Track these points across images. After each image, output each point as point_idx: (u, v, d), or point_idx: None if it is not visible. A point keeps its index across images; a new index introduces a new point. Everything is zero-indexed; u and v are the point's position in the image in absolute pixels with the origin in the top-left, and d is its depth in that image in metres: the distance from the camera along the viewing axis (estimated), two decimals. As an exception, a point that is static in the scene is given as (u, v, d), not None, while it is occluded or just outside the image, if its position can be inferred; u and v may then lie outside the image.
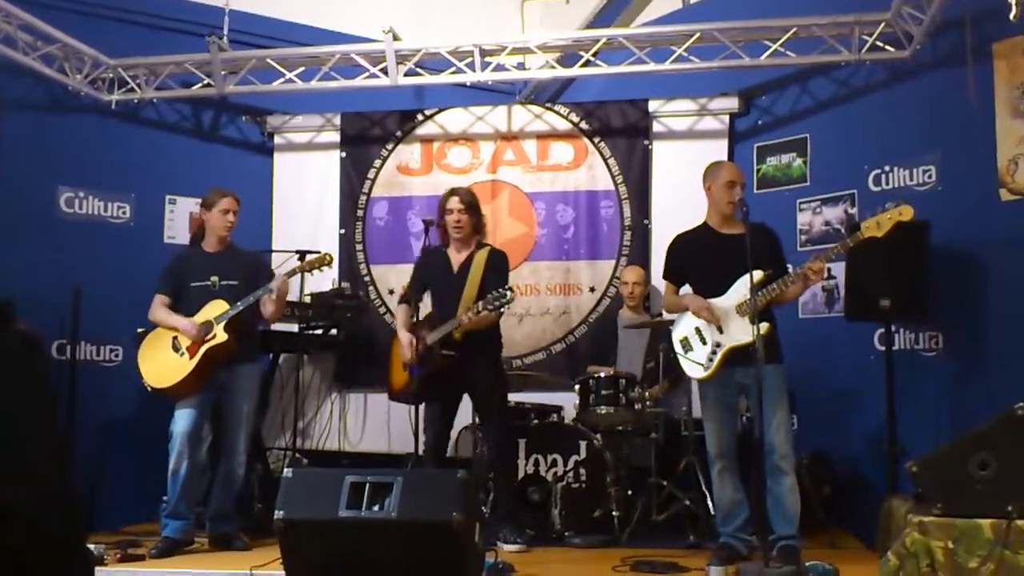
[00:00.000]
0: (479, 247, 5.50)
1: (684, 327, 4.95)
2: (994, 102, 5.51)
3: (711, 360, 4.79)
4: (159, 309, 5.36)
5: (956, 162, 5.71)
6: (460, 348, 5.24)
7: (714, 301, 4.80)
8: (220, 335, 5.18)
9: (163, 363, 5.24)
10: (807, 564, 4.33)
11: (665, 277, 5.13)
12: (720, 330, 4.78)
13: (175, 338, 5.25)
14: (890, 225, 4.56)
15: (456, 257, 5.48)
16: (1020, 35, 5.43)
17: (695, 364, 4.87)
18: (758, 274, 4.59)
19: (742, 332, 4.64)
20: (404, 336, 5.36)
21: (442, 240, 5.60)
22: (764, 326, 4.50)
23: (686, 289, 4.99)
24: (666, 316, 5.92)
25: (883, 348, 5.61)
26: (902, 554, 3.93)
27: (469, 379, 5.29)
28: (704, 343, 4.84)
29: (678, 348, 4.95)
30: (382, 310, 7.22)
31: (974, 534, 3.83)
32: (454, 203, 5.45)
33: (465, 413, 5.63)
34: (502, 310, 5.20)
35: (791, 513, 4.67)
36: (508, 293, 5.16)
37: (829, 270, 5.80)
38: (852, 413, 6.08)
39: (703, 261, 4.92)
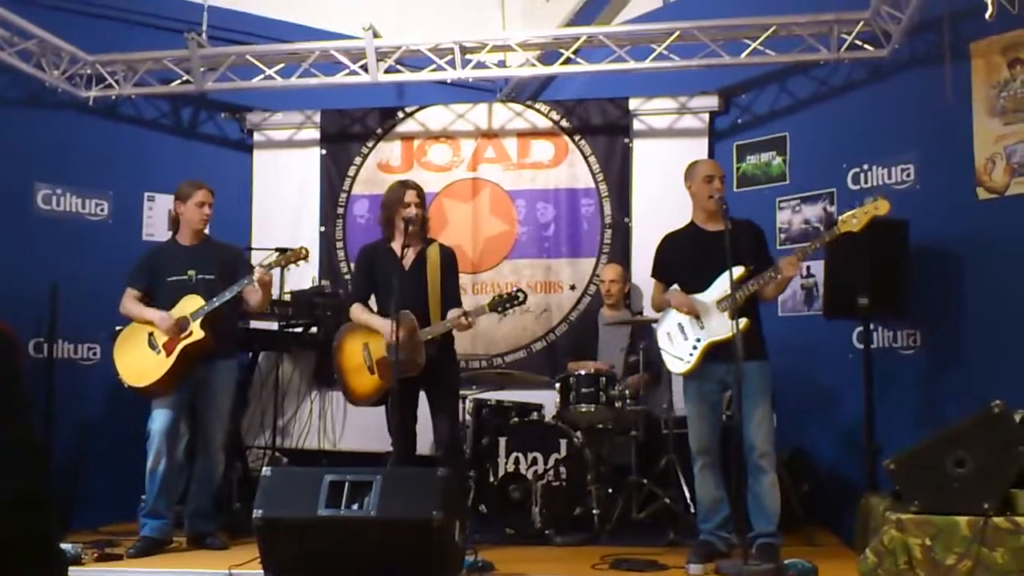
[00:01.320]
0: (428, 243, 5.40)
1: (668, 323, 4.99)
2: (971, 101, 5.56)
3: (691, 355, 4.83)
4: (130, 303, 5.30)
5: (934, 161, 5.75)
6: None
7: (696, 297, 4.84)
8: (197, 332, 5.13)
9: (140, 361, 5.19)
10: (786, 562, 4.35)
11: (653, 275, 5.18)
12: (701, 325, 4.82)
13: (151, 335, 5.20)
14: (866, 219, 4.58)
15: (405, 253, 5.23)
16: (997, 34, 5.47)
17: (676, 359, 4.91)
18: (739, 270, 4.63)
19: (722, 327, 4.67)
20: (382, 322, 5.11)
21: (385, 235, 5.40)
22: (742, 321, 4.54)
23: (674, 288, 5.01)
24: (647, 315, 5.96)
25: (861, 346, 5.64)
26: (880, 551, 3.96)
27: (426, 374, 5.19)
28: (686, 338, 4.88)
29: (662, 343, 4.99)
30: (347, 302, 7.16)
31: (951, 531, 3.85)
32: (412, 196, 5.27)
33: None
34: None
35: (771, 511, 4.69)
36: (521, 295, 5.19)
37: (808, 267, 5.84)
38: (830, 411, 6.11)
39: (688, 258, 4.96)
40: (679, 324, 4.91)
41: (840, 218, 4.67)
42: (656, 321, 5.82)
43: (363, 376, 5.23)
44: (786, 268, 4.67)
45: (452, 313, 5.13)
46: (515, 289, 5.28)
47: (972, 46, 5.59)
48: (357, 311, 5.34)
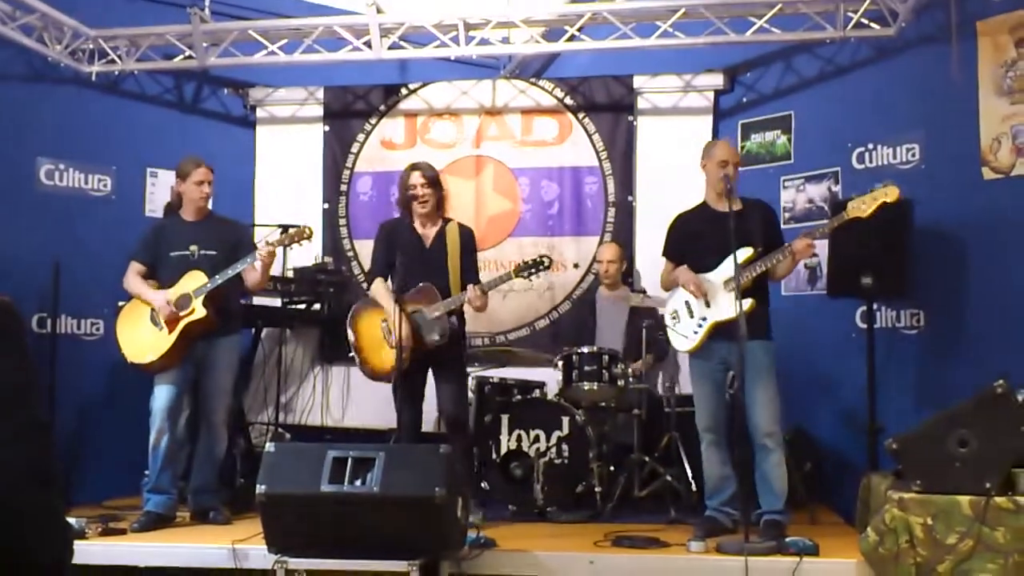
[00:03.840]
0: (446, 222, 5.43)
1: (675, 300, 5.03)
2: (978, 80, 5.53)
3: (696, 333, 4.87)
4: (134, 278, 5.30)
5: (940, 140, 5.73)
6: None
7: (704, 276, 4.86)
8: (199, 310, 5.13)
9: (142, 337, 5.20)
10: (787, 539, 4.36)
11: (664, 254, 5.20)
12: (707, 304, 4.84)
13: (153, 310, 5.21)
14: (875, 206, 4.60)
15: (424, 232, 5.34)
16: (1004, 14, 5.44)
17: (681, 336, 4.96)
18: (746, 251, 4.66)
19: (727, 307, 4.69)
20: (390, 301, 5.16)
21: (405, 215, 5.45)
22: (748, 302, 4.54)
23: (683, 267, 5.02)
24: (651, 293, 5.95)
25: (865, 326, 5.65)
26: (882, 530, 3.97)
27: (434, 353, 5.22)
28: (691, 316, 4.92)
29: (668, 321, 5.05)
30: (365, 285, 7.17)
31: (953, 510, 3.86)
32: (416, 178, 5.30)
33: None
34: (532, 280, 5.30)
35: (778, 489, 4.73)
36: (546, 260, 5.20)
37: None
38: (833, 390, 6.12)
39: (698, 238, 4.97)
40: (686, 302, 4.95)
41: (849, 204, 4.69)
42: (653, 304, 5.88)
43: (384, 351, 5.23)
44: (801, 250, 4.67)
45: (470, 289, 5.15)
46: (540, 255, 5.26)
47: (979, 25, 5.56)
48: (378, 287, 5.37)
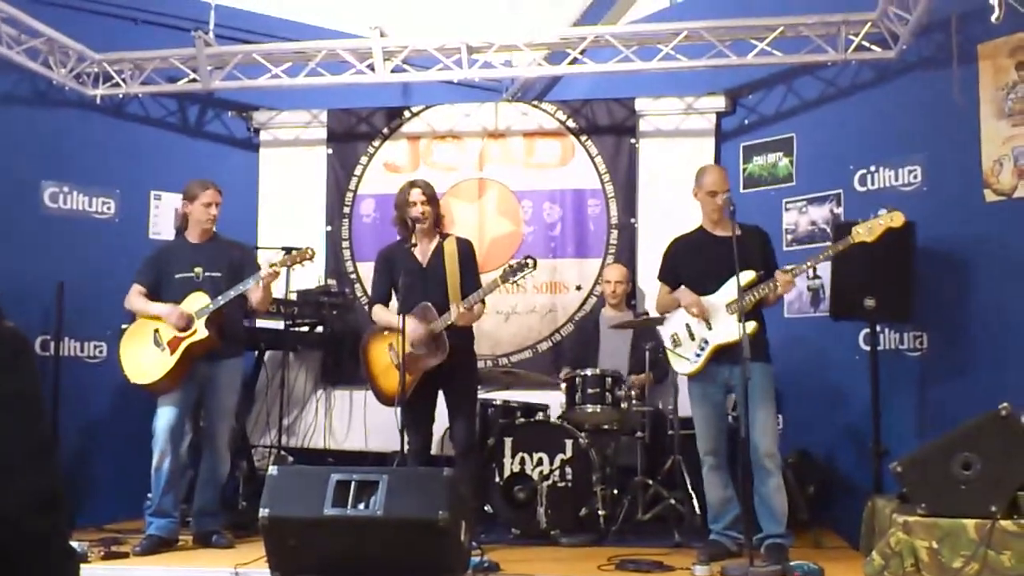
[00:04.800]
0: (443, 237, 5.45)
1: (675, 323, 5.03)
2: (979, 103, 5.54)
3: (698, 356, 4.87)
4: (136, 298, 5.32)
5: (941, 163, 5.74)
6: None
7: (705, 299, 4.86)
8: (200, 331, 5.14)
9: (144, 358, 5.20)
10: (792, 564, 4.35)
11: (660, 278, 5.22)
12: (709, 327, 4.85)
13: (156, 332, 5.21)
14: (881, 231, 4.63)
15: (420, 251, 5.38)
16: (1004, 36, 5.46)
17: (683, 359, 4.96)
18: (749, 274, 4.68)
19: (730, 329, 4.69)
20: (396, 319, 5.14)
21: (402, 236, 5.47)
22: (752, 325, 4.56)
23: (683, 288, 5.03)
24: (653, 315, 5.95)
25: (868, 348, 5.64)
26: (887, 553, 3.96)
27: (444, 373, 5.23)
28: (692, 339, 4.93)
29: (668, 344, 5.05)
30: (368, 306, 7.18)
31: (958, 534, 3.85)
32: (416, 195, 5.33)
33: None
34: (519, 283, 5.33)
35: (778, 512, 4.72)
36: (530, 261, 5.18)
37: (814, 269, 5.82)
38: (837, 413, 6.10)
39: (696, 261, 5.00)
40: (686, 325, 4.95)
41: (854, 228, 4.71)
42: (660, 322, 5.86)
43: (393, 376, 5.24)
44: (782, 286, 4.74)
45: (453, 308, 5.15)
46: (524, 257, 5.26)
47: (980, 48, 5.58)
48: (379, 312, 5.43)
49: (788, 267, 4.83)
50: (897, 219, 4.63)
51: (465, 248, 5.45)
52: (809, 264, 4.92)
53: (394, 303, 5.45)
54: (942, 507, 3.95)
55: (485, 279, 6.90)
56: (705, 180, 5.07)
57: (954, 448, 3.99)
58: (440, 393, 5.34)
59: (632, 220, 7.08)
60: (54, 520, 1.45)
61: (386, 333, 5.37)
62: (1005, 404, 3.96)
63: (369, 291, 6.79)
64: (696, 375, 4.94)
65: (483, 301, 5.32)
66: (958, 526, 3.87)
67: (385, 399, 5.39)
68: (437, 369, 5.17)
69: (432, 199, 5.38)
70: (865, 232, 4.66)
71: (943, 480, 3.97)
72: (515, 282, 5.31)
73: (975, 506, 3.89)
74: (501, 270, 5.35)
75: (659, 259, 5.31)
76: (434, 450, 5.61)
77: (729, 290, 4.77)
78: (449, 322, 5.15)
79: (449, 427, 5.36)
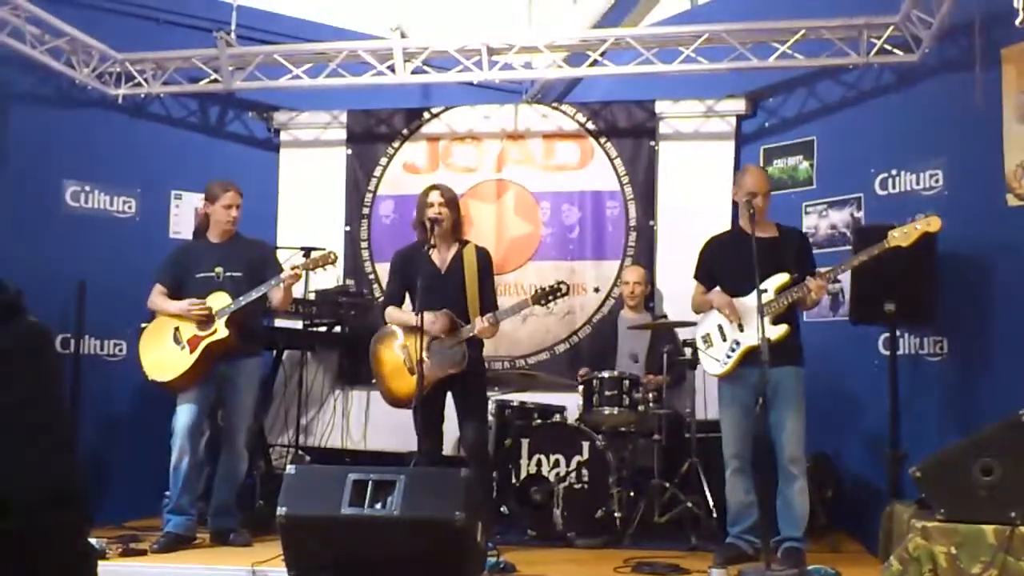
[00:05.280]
0: (463, 244, 5.42)
1: (708, 324, 5.02)
2: (1002, 107, 5.50)
3: (729, 357, 4.85)
4: (157, 297, 5.35)
5: (963, 167, 5.70)
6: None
7: (738, 300, 4.84)
8: (221, 330, 5.17)
9: (164, 356, 5.23)
10: (809, 568, 4.34)
11: (696, 277, 5.19)
12: (741, 328, 4.82)
13: (176, 330, 5.24)
14: (916, 236, 4.59)
15: (439, 256, 5.32)
16: (1029, 40, 5.42)
17: (714, 360, 4.93)
18: (783, 277, 4.66)
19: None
20: (411, 317, 5.14)
21: (420, 239, 5.40)
22: (782, 328, 4.57)
23: (716, 290, 5.02)
24: (671, 317, 5.94)
25: (887, 353, 5.61)
26: (905, 559, 3.93)
27: (454, 381, 5.18)
28: (724, 340, 4.91)
29: (700, 344, 5.04)
30: (382, 306, 7.19)
31: (977, 540, 3.82)
32: (435, 197, 5.28)
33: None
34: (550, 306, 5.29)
35: (799, 516, 4.71)
36: (563, 287, 5.17)
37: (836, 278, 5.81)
38: (855, 417, 6.07)
39: (731, 261, 4.97)
40: (719, 326, 4.94)
41: (890, 233, 4.65)
42: (678, 325, 5.85)
43: (403, 377, 5.21)
44: (815, 291, 4.69)
45: (477, 321, 5.12)
46: (557, 282, 5.25)
47: (1003, 51, 5.54)
48: (392, 312, 5.37)
49: (825, 269, 4.80)
50: (934, 224, 4.57)
51: (484, 257, 5.41)
52: (844, 268, 4.88)
53: (407, 306, 5.43)
54: (961, 513, 3.92)
55: (505, 281, 7.01)
56: (745, 180, 5.05)
57: (974, 454, 3.96)
58: (449, 396, 5.30)
59: (651, 222, 7.07)
60: (70, 515, 1.46)
61: (396, 333, 5.31)
62: (1025, 410, 3.93)
63: (386, 291, 6.84)
64: (726, 377, 4.92)
65: (545, 303, 5.30)
66: (977, 532, 3.83)
67: (394, 401, 5.31)
68: (448, 375, 5.14)
69: (452, 203, 5.34)
70: (901, 237, 4.60)
71: (962, 486, 3.94)
72: (545, 304, 5.27)
73: (995, 512, 3.85)
74: (533, 290, 5.28)
75: (678, 261, 5.32)
76: (450, 451, 5.61)
77: (764, 293, 4.75)
78: (472, 333, 5.13)
79: (459, 431, 5.32)
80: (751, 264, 4.67)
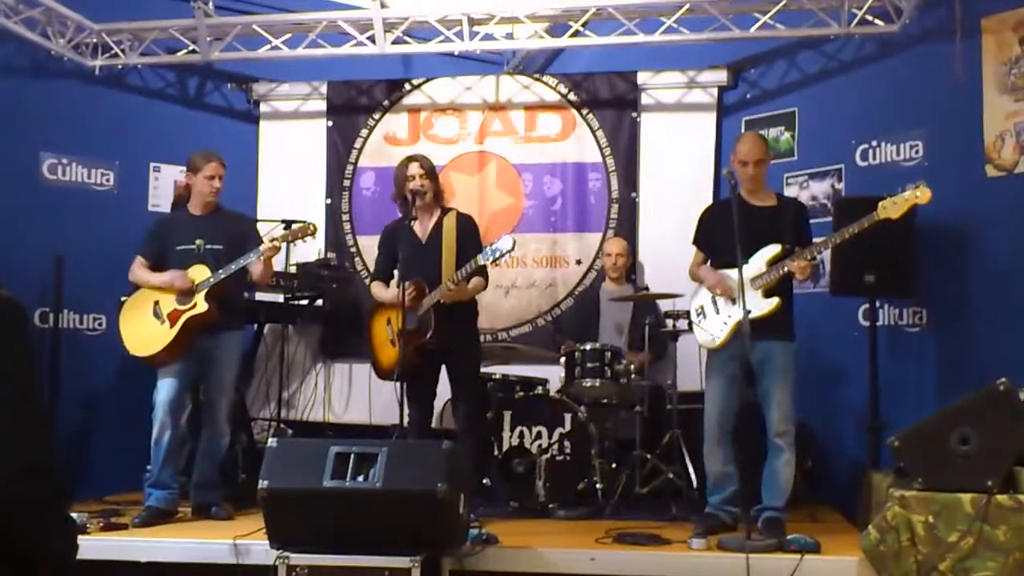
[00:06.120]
0: (443, 213, 5.42)
1: (702, 296, 4.98)
2: (982, 78, 5.52)
3: (722, 330, 4.81)
4: (140, 270, 5.31)
5: (943, 138, 5.72)
6: (440, 318, 5.17)
7: (730, 272, 4.79)
8: (200, 304, 5.13)
9: (144, 330, 5.20)
10: (788, 537, 4.36)
11: (695, 243, 5.14)
12: (734, 302, 4.79)
13: (156, 303, 5.21)
14: (907, 207, 4.54)
15: (421, 227, 5.34)
16: (1008, 11, 5.43)
17: (707, 333, 4.89)
18: (774, 248, 4.65)
19: (754, 305, 4.58)
20: (391, 294, 5.22)
21: (403, 212, 5.42)
22: (772, 302, 4.60)
23: (706, 267, 5.00)
24: (653, 290, 5.94)
25: (867, 323, 5.64)
26: (883, 527, 3.97)
27: (446, 349, 5.23)
28: (718, 313, 4.88)
29: (694, 316, 5.00)
30: (368, 281, 7.18)
31: (954, 508, 3.87)
32: (415, 168, 5.27)
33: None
34: (499, 263, 5.25)
35: (783, 487, 4.74)
36: (511, 241, 5.10)
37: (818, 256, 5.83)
38: (835, 388, 6.11)
39: (727, 230, 4.92)
40: (713, 299, 4.91)
41: (880, 204, 4.58)
42: (660, 297, 5.85)
43: (388, 350, 5.30)
44: (797, 272, 4.65)
45: (442, 287, 5.13)
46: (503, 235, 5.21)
47: (983, 22, 5.54)
48: (376, 289, 5.44)
49: (819, 239, 4.76)
50: (924, 195, 4.52)
51: (465, 223, 5.41)
52: (835, 240, 4.79)
53: (394, 280, 5.45)
54: (938, 481, 3.96)
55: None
56: (738, 148, 4.99)
57: (951, 423, 4.00)
58: (444, 369, 5.34)
59: (633, 194, 7.06)
60: (43, 489, 1.45)
61: (384, 308, 5.36)
62: (1003, 379, 3.96)
63: (369, 264, 6.85)
64: (717, 350, 4.89)
65: (486, 276, 5.30)
66: (954, 500, 3.88)
67: (381, 372, 5.44)
68: (439, 346, 5.16)
69: (431, 173, 5.33)
70: (891, 208, 4.54)
71: (940, 455, 3.98)
72: (494, 262, 5.25)
73: (971, 481, 3.90)
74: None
75: (660, 233, 5.30)
76: (435, 424, 5.63)
77: (756, 264, 4.72)
78: (436, 300, 5.13)
79: (452, 404, 5.37)
80: (747, 233, 4.64)
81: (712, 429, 4.89)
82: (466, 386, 5.34)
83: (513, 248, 5.14)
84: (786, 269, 4.67)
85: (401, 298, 4.93)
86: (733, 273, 4.76)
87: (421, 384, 5.23)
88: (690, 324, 5.13)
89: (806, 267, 4.65)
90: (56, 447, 1.58)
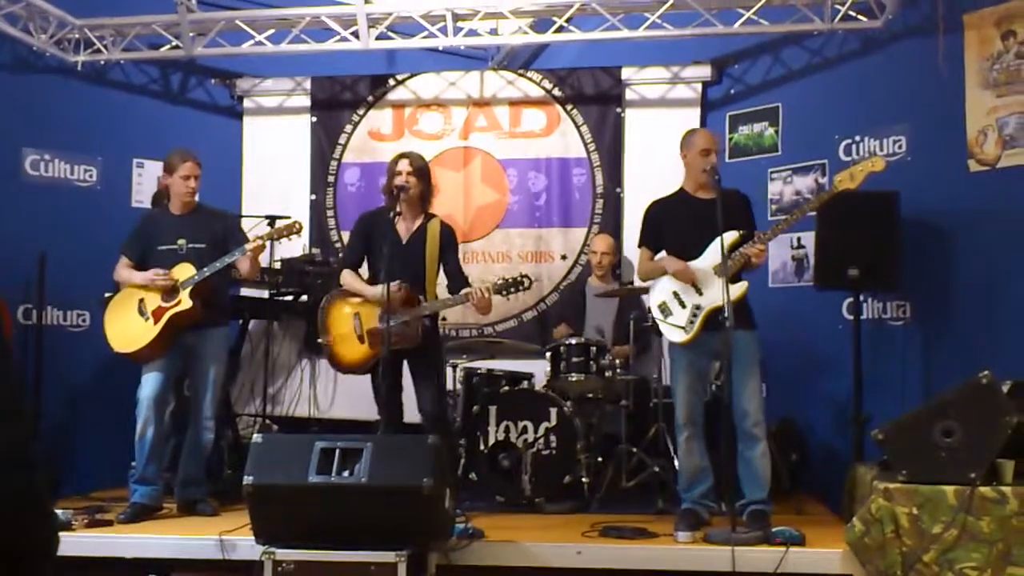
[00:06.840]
0: (428, 218, 5.38)
1: (661, 291, 4.90)
2: (964, 73, 5.55)
3: (692, 323, 4.76)
4: (123, 270, 5.28)
5: (926, 132, 5.75)
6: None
7: (692, 263, 4.80)
8: (185, 301, 5.11)
9: (128, 327, 5.18)
10: (773, 530, 4.38)
11: (641, 243, 5.08)
12: (699, 292, 4.77)
13: (141, 301, 5.18)
14: (862, 176, 4.52)
15: (403, 226, 5.28)
16: (990, 7, 5.46)
17: (675, 328, 4.82)
18: (732, 234, 4.63)
19: (721, 293, 4.53)
20: (375, 291, 5.10)
21: (388, 205, 5.35)
22: (742, 286, 4.59)
23: (662, 255, 4.98)
24: (638, 284, 5.95)
25: (851, 317, 5.67)
26: (867, 520, 3.99)
27: (409, 350, 5.14)
28: (683, 306, 4.81)
29: (656, 314, 4.91)
30: (337, 267, 7.14)
31: (938, 500, 3.89)
32: (403, 165, 5.25)
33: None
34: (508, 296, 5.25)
35: (762, 478, 4.72)
36: (526, 280, 5.12)
37: (799, 238, 5.87)
38: (820, 381, 6.14)
39: (678, 225, 4.91)
40: (674, 292, 4.85)
41: (836, 176, 4.58)
42: (645, 292, 5.83)
43: (352, 344, 5.21)
44: (754, 256, 4.65)
45: (467, 290, 5.09)
46: (520, 275, 5.18)
47: (965, 17, 5.58)
48: (348, 277, 5.33)
49: (777, 221, 4.78)
50: (878, 164, 4.51)
51: (448, 234, 5.37)
52: (809, 207, 4.81)
53: (363, 271, 5.39)
54: (922, 474, 3.99)
55: (472, 248, 7.00)
56: (696, 140, 4.98)
57: (935, 416, 4.02)
58: (405, 366, 5.28)
59: (617, 189, 7.07)
60: (18, 480, 1.44)
61: (351, 299, 5.27)
62: (986, 372, 3.99)
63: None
64: (686, 344, 4.86)
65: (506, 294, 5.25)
66: (938, 492, 3.90)
67: (339, 365, 5.33)
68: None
69: (420, 172, 5.28)
70: (848, 179, 4.54)
71: (924, 447, 4.00)
72: (506, 295, 5.25)
73: (955, 473, 3.92)
74: (498, 280, 5.18)
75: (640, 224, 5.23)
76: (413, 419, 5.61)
77: (714, 253, 4.68)
78: (462, 302, 5.14)
79: (416, 399, 5.29)
80: (698, 227, 4.64)
81: (685, 425, 4.88)
82: (430, 382, 5.25)
83: (528, 287, 5.27)
84: (745, 254, 4.66)
85: (386, 295, 4.83)
86: (694, 264, 4.76)
87: (389, 384, 5.08)
88: (654, 323, 5.04)
89: (762, 252, 4.66)
90: (38, 441, 1.57)
